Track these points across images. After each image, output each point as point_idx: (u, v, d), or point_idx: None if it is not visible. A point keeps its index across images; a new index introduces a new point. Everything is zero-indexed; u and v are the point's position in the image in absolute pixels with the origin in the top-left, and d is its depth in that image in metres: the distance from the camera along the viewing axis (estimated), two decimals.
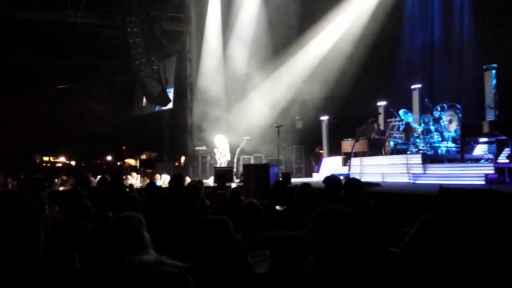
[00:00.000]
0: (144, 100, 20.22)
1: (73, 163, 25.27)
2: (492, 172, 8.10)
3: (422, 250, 2.02)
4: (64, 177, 14.77)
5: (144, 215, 2.73)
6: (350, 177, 4.92)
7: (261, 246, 2.73)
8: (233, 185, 10.56)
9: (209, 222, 2.13)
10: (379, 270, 2.07)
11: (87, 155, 23.24)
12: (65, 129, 21.44)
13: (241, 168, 13.73)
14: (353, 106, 14.48)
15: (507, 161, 8.67)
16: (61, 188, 11.63)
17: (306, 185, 4.77)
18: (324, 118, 15.00)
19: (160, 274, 1.14)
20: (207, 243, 2.01)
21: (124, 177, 12.06)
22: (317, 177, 13.46)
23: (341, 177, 5.83)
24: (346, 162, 12.31)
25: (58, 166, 24.37)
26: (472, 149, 10.78)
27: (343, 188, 4.50)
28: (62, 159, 25.80)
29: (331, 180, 4.85)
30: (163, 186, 9.46)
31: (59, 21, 17.05)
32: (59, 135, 21.45)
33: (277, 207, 4.93)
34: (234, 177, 13.27)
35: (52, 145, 22.75)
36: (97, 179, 7.13)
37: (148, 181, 13.01)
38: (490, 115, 10.62)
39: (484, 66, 10.98)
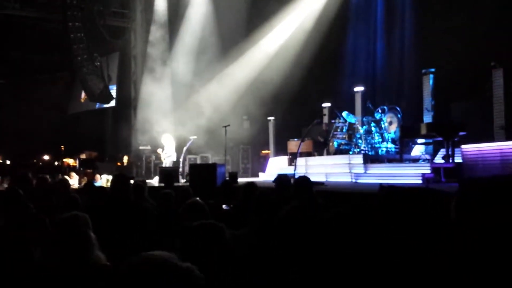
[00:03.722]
0: (83, 96, 19.48)
1: (8, 162, 23.93)
2: (429, 171, 8.48)
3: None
4: None
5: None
6: (301, 175, 5.02)
7: None
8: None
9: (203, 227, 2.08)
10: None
11: (23, 154, 22.02)
12: None
13: (187, 168, 13.59)
14: (299, 107, 14.75)
15: (443, 161, 9.08)
16: None
17: (251, 184, 4.81)
18: (271, 118, 15.17)
19: (176, 269, 1.14)
20: (200, 249, 1.97)
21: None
22: (264, 177, 13.58)
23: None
24: (292, 162, 12.48)
25: None
26: (410, 149, 11.24)
27: (293, 187, 4.59)
28: None
29: (281, 179, 4.98)
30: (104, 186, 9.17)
31: None
32: None
33: (224, 206, 4.95)
34: (180, 177, 13.11)
35: None
36: (35, 179, 6.81)
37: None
38: (428, 118, 11.12)
39: (423, 70, 11.41)
